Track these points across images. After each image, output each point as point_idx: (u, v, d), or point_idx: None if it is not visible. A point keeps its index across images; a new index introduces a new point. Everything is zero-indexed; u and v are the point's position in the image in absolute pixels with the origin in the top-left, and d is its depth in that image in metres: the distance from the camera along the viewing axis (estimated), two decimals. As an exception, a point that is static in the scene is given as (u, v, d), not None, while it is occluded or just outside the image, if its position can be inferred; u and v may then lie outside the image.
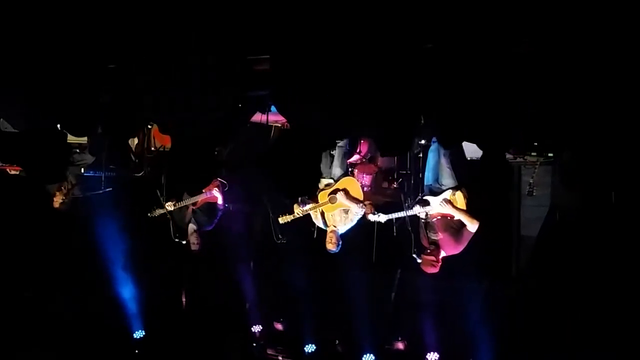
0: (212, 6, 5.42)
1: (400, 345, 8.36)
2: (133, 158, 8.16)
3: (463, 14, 4.79)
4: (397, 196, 7.25)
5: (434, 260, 6.10)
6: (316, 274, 8.44)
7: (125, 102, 5.94)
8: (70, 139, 7.16)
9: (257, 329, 9.11)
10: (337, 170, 6.86)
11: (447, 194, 6.27)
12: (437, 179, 6.50)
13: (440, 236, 6.22)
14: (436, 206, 6.26)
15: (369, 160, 7.82)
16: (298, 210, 6.76)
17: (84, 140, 7.81)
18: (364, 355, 8.30)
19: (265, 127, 7.07)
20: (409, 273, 7.85)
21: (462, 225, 6.16)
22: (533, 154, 6.75)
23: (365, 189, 7.38)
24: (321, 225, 6.86)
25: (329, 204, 6.76)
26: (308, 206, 6.79)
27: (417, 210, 6.28)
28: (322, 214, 6.81)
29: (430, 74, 5.00)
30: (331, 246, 6.68)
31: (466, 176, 6.44)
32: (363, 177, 7.50)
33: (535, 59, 4.69)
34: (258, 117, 6.76)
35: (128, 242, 8.66)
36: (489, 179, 6.64)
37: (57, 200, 7.61)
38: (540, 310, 7.41)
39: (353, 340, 8.40)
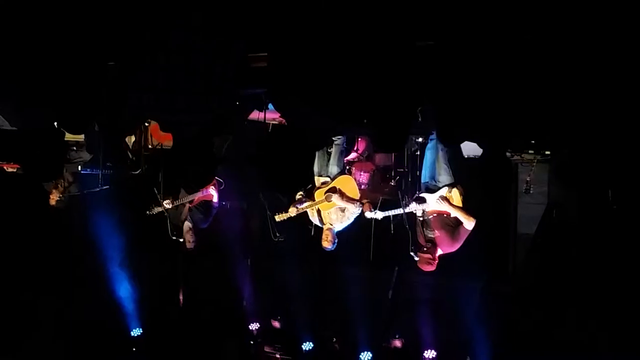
0: (210, 5, 5.41)
1: (397, 343, 8.37)
2: (130, 156, 8.14)
3: (462, 11, 4.79)
4: (395, 194, 7.24)
5: (430, 258, 6.10)
6: (313, 271, 8.45)
7: (122, 100, 5.93)
8: (68, 136, 7.16)
9: (254, 326, 9.12)
10: (333, 169, 6.86)
11: (444, 191, 6.26)
12: (434, 177, 6.50)
13: (436, 234, 6.22)
14: (433, 203, 6.26)
15: (367, 158, 7.83)
16: (292, 210, 6.77)
17: (81, 137, 7.79)
18: (362, 353, 8.30)
19: (263, 124, 7.06)
20: (406, 271, 7.86)
21: (458, 223, 6.15)
22: (530, 151, 6.75)
23: (362, 186, 7.40)
24: (317, 223, 6.86)
25: (326, 202, 6.76)
26: (304, 204, 6.80)
27: (414, 207, 6.28)
28: (319, 211, 6.81)
29: (428, 71, 5.00)
30: (327, 244, 6.69)
31: (464, 174, 6.45)
32: (360, 175, 7.51)
33: (532, 57, 4.68)
34: (255, 115, 6.75)
35: (125, 240, 8.65)
36: (488, 177, 6.67)
37: (54, 198, 7.61)
38: (537, 307, 7.42)
39: (350, 337, 8.40)
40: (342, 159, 7.02)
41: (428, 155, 6.56)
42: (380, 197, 7.44)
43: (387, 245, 7.53)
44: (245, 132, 7.22)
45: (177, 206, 7.26)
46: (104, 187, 7.72)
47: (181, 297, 9.47)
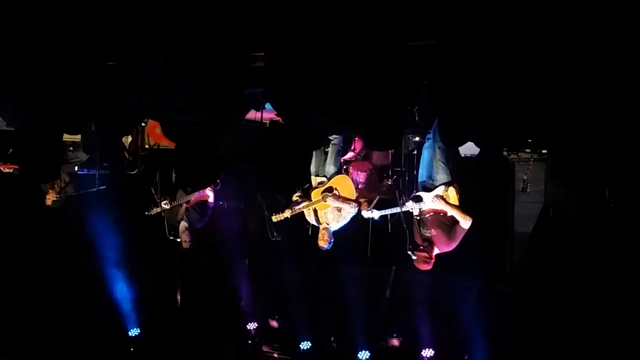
0: (210, 4, 5.40)
1: (395, 342, 8.37)
2: (127, 156, 8.14)
3: (460, 10, 4.79)
4: (392, 193, 7.24)
5: (426, 257, 6.09)
6: (311, 271, 8.45)
7: (119, 100, 5.92)
8: (64, 136, 7.14)
9: (252, 326, 9.11)
10: (330, 168, 6.86)
11: (440, 190, 6.26)
12: (431, 175, 6.50)
13: (433, 233, 6.21)
14: (429, 202, 6.26)
15: (364, 157, 7.82)
16: (289, 211, 6.79)
17: (77, 138, 7.79)
18: (359, 352, 8.30)
19: (260, 124, 7.06)
20: (404, 270, 7.86)
21: (454, 222, 6.14)
22: (527, 150, 6.76)
23: (359, 186, 7.39)
24: (314, 223, 6.87)
25: (322, 202, 6.77)
26: (301, 205, 6.81)
27: (410, 206, 6.28)
28: (315, 211, 6.82)
29: (424, 70, 5.01)
30: (323, 243, 6.71)
31: (461, 173, 6.45)
32: (357, 174, 7.50)
33: (529, 57, 4.69)
34: (252, 115, 6.75)
35: (122, 240, 8.64)
36: (485, 176, 6.66)
37: (50, 198, 7.61)
38: (535, 306, 7.43)
39: (348, 337, 8.40)
40: (339, 158, 7.03)
41: (425, 154, 6.56)
42: (377, 197, 7.45)
43: (384, 245, 7.54)
44: (242, 132, 7.21)
45: (173, 206, 7.26)
46: (101, 188, 7.71)
47: (179, 297, 9.47)
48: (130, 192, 8.04)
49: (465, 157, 6.71)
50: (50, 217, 8.12)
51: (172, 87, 5.62)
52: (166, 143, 7.65)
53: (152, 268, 9.12)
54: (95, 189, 7.68)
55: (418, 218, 6.28)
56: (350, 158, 7.69)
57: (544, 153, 6.73)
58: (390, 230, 6.84)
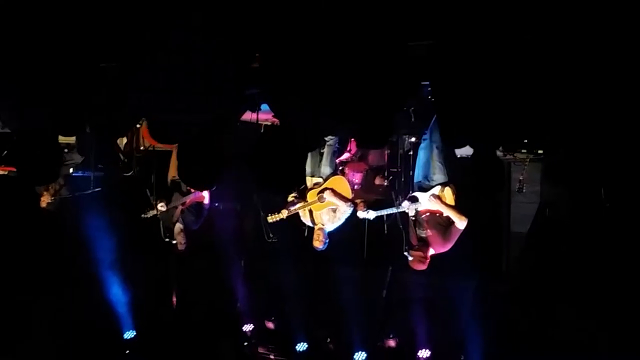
0: (210, 4, 5.38)
1: (391, 343, 8.37)
2: (122, 158, 8.12)
3: (457, 11, 4.79)
4: (388, 194, 7.25)
5: (421, 257, 6.08)
6: (307, 272, 8.44)
7: (114, 101, 5.90)
8: (59, 138, 7.10)
9: (248, 327, 9.10)
10: (326, 169, 6.86)
11: (436, 190, 6.27)
12: (427, 176, 6.50)
13: (428, 233, 6.21)
14: (425, 202, 6.26)
15: (360, 158, 7.83)
16: (285, 211, 6.79)
17: (72, 140, 7.75)
18: (356, 353, 8.29)
19: (256, 125, 7.05)
20: (400, 271, 7.86)
21: (450, 222, 6.15)
22: (523, 151, 6.78)
23: (355, 187, 7.39)
24: (309, 223, 6.88)
25: (318, 202, 6.77)
26: (297, 205, 6.81)
27: (406, 206, 6.28)
28: (311, 212, 6.83)
29: (422, 70, 5.00)
30: (318, 244, 6.72)
31: (457, 173, 6.45)
32: (353, 175, 7.51)
33: (525, 57, 4.69)
34: (248, 116, 6.73)
35: (117, 242, 8.62)
36: (481, 176, 6.66)
37: (45, 200, 7.58)
38: (531, 306, 7.44)
39: (345, 338, 8.40)
40: (335, 159, 7.03)
41: (421, 154, 6.56)
42: (374, 198, 7.46)
43: (380, 245, 7.54)
44: (238, 133, 7.20)
45: (169, 208, 7.25)
46: (96, 190, 7.69)
47: (174, 299, 9.45)
48: (125, 194, 8.01)
49: (461, 158, 6.72)
50: (45, 219, 8.08)
51: (172, 87, 5.59)
52: (161, 145, 7.65)
53: (147, 270, 9.09)
54: (90, 191, 7.67)
55: (414, 218, 6.29)
56: (346, 159, 7.70)
57: (540, 153, 6.75)
58: (386, 231, 6.84)
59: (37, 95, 5.93)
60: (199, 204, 7.38)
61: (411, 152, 7.18)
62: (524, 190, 6.98)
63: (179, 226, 7.28)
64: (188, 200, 7.30)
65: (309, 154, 6.73)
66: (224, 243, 8.58)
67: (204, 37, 5.40)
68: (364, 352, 8.29)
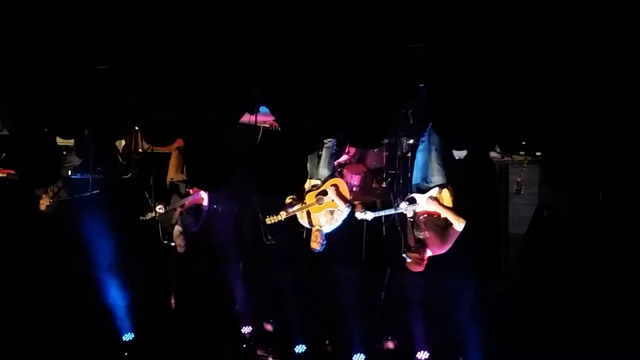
0: (210, 4, 5.38)
1: (390, 345, 8.37)
2: (120, 160, 8.11)
3: (453, 12, 4.80)
4: (386, 196, 7.26)
5: (418, 258, 6.10)
6: (306, 274, 8.45)
7: (113, 103, 5.89)
8: (58, 140, 7.10)
9: (247, 329, 9.10)
10: (324, 171, 6.88)
11: (434, 192, 6.29)
12: (425, 178, 6.51)
13: (426, 234, 6.23)
14: (423, 204, 6.28)
15: (358, 160, 7.83)
16: (283, 213, 6.81)
17: (70, 142, 7.75)
18: (354, 355, 8.30)
19: (253, 127, 7.06)
20: (398, 272, 7.87)
21: (448, 224, 6.16)
22: (521, 152, 6.79)
23: (354, 189, 7.40)
24: (306, 225, 6.90)
25: (316, 204, 6.80)
26: (295, 207, 6.83)
27: (404, 208, 6.30)
28: (308, 214, 6.85)
29: (420, 72, 5.01)
30: (316, 245, 6.74)
31: (455, 175, 6.47)
32: (352, 177, 7.51)
33: (522, 58, 4.70)
34: (246, 118, 6.73)
35: (116, 244, 8.62)
36: (479, 178, 6.68)
37: (44, 203, 7.56)
38: (530, 307, 7.46)
39: (343, 339, 8.40)
40: (333, 161, 7.04)
41: (419, 156, 6.58)
42: (373, 199, 7.47)
43: (379, 247, 7.55)
44: (236, 135, 7.20)
45: (168, 210, 7.25)
46: (94, 192, 7.68)
47: (173, 301, 9.44)
48: (123, 196, 8.01)
49: (459, 160, 6.74)
50: (43, 221, 8.08)
51: (171, 88, 5.58)
52: (160, 147, 7.64)
53: (146, 272, 9.09)
54: (88, 194, 7.64)
55: (412, 220, 6.30)
56: (344, 161, 7.70)
57: (538, 155, 6.76)
58: (384, 233, 6.85)
59: (35, 97, 5.93)
60: (198, 206, 7.38)
61: (409, 154, 7.19)
62: (522, 192, 7.00)
63: (178, 228, 7.28)
64: (187, 203, 7.30)
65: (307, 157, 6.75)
66: (222, 245, 8.59)
67: (203, 38, 5.40)
68: (362, 354, 8.30)
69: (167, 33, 5.45)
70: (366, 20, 4.97)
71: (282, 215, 6.85)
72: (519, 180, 6.95)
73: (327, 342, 8.77)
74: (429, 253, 6.20)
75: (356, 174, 7.57)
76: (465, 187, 6.54)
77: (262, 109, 6.20)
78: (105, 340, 8.92)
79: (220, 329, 9.15)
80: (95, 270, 8.68)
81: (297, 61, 5.23)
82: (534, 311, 7.38)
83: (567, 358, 7.03)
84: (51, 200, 7.59)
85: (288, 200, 6.91)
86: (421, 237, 6.23)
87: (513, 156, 7.01)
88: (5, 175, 7.79)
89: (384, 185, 7.64)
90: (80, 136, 7.11)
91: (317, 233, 6.77)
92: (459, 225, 6.09)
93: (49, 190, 7.57)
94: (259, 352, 9.08)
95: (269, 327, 9.11)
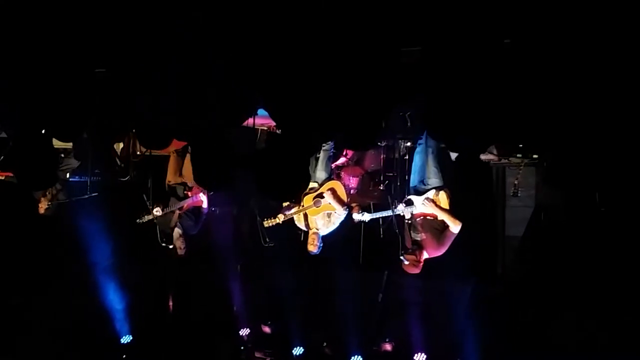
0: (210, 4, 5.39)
1: (387, 347, 8.37)
2: (118, 162, 8.12)
3: (447, 16, 4.82)
4: (384, 198, 7.27)
5: (414, 260, 6.13)
6: (303, 276, 8.45)
7: (111, 106, 5.90)
8: (56, 143, 7.11)
9: (245, 332, 9.10)
10: (321, 174, 6.90)
11: (431, 194, 6.31)
12: (422, 180, 6.54)
13: (423, 236, 6.26)
14: (419, 206, 6.30)
15: (356, 162, 7.85)
16: (281, 215, 6.83)
17: (69, 145, 7.76)
18: (352, 357, 8.29)
19: (251, 129, 7.07)
20: (396, 274, 7.88)
21: (445, 226, 6.19)
22: (518, 155, 6.82)
23: (352, 191, 7.42)
24: (303, 228, 6.93)
25: (314, 207, 6.82)
26: (292, 210, 6.86)
27: (401, 209, 6.33)
28: (305, 217, 6.88)
29: (414, 76, 5.03)
30: (312, 248, 6.78)
31: (452, 177, 6.50)
32: (350, 179, 7.53)
33: (518, 61, 4.72)
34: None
35: (114, 247, 8.61)
36: (476, 181, 6.72)
37: (43, 206, 7.58)
38: (526, 309, 7.46)
39: (341, 342, 8.40)
40: (330, 164, 7.07)
41: (417, 159, 6.61)
42: (371, 202, 7.49)
43: (376, 249, 7.56)
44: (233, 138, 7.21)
45: (166, 213, 7.26)
46: (93, 194, 7.69)
47: (171, 303, 9.43)
48: (121, 199, 8.01)
49: (456, 162, 6.77)
50: (41, 224, 8.07)
51: (169, 91, 5.59)
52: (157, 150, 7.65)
53: (144, 274, 9.08)
54: (87, 196, 7.66)
55: (409, 222, 6.33)
56: (342, 163, 7.73)
57: (535, 158, 6.79)
58: (382, 235, 6.87)
59: (34, 100, 5.94)
60: (197, 208, 7.38)
61: (407, 157, 7.21)
62: (519, 194, 7.03)
63: (177, 231, 7.28)
64: (185, 205, 7.31)
65: (305, 160, 6.76)
66: (220, 247, 8.59)
67: (204, 37, 5.40)
68: (360, 356, 8.29)
69: (166, 35, 5.46)
70: (360, 24, 5.00)
71: (280, 218, 6.88)
72: (516, 182, 6.98)
73: (325, 344, 8.76)
74: (425, 255, 6.23)
75: (354, 177, 7.60)
76: (462, 189, 6.58)
77: (260, 111, 6.22)
78: (103, 342, 8.90)
79: (218, 331, 9.14)
80: (94, 272, 8.67)
81: (295, 63, 5.25)
82: (531, 313, 7.39)
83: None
84: (49, 203, 7.60)
85: (286, 202, 6.93)
86: (418, 239, 6.26)
87: (510, 158, 7.04)
88: (4, 178, 7.80)
89: (381, 188, 7.66)
90: (78, 139, 7.13)
91: (314, 236, 6.80)
92: (455, 227, 6.12)
93: (47, 192, 7.58)
94: (257, 355, 9.06)
95: (266, 329, 9.09)
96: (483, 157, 7.08)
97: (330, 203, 6.82)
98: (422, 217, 6.33)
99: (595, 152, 4.99)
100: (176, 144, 6.98)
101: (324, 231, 6.88)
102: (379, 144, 7.39)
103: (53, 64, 5.82)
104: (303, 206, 6.87)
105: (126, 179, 8.07)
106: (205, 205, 7.40)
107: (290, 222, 7.03)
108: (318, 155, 6.91)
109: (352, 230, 7.34)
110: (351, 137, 5.60)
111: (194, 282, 9.21)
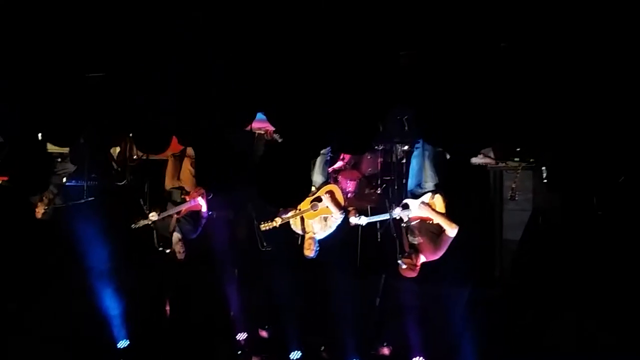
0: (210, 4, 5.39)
1: (385, 351, 8.36)
2: (115, 167, 8.10)
3: (443, 19, 4.82)
4: (381, 202, 7.28)
5: (411, 264, 6.13)
6: (301, 280, 8.43)
7: (107, 111, 5.89)
8: (52, 148, 7.09)
9: (242, 336, 9.08)
10: (318, 178, 6.91)
11: (426, 197, 6.32)
12: (419, 184, 6.55)
13: (419, 240, 6.26)
14: (415, 209, 6.31)
15: (353, 166, 7.86)
16: (278, 219, 6.83)
17: (65, 149, 7.73)
18: (350, 361, 8.30)
19: (248, 133, 7.07)
20: (393, 278, 7.87)
21: (441, 230, 6.19)
22: (515, 159, 6.83)
23: (349, 195, 7.42)
24: (299, 232, 6.92)
25: (311, 211, 6.81)
26: (289, 214, 6.85)
27: (398, 213, 6.33)
28: (302, 220, 6.88)
29: (405, 78, 5.03)
30: (309, 252, 6.79)
31: (449, 181, 6.50)
32: (347, 183, 7.54)
33: (516, 64, 4.72)
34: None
35: (111, 251, 8.59)
36: (473, 184, 6.72)
37: (40, 211, 7.55)
38: (524, 313, 7.47)
39: (338, 346, 8.39)
40: (327, 168, 7.07)
41: (414, 162, 6.62)
42: (367, 205, 7.48)
43: (374, 253, 7.55)
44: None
45: (164, 217, 7.23)
46: (89, 199, 7.67)
47: (168, 308, 9.41)
48: (118, 203, 7.99)
49: (453, 166, 6.78)
50: (38, 228, 8.05)
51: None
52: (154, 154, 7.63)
53: (141, 279, 9.06)
54: (83, 200, 7.64)
55: (405, 226, 6.33)
56: (339, 167, 7.73)
57: (532, 161, 6.80)
58: (379, 239, 6.86)
59: (30, 104, 5.92)
60: (196, 212, 7.34)
61: (404, 160, 7.22)
62: (517, 198, 7.04)
63: (176, 235, 7.25)
64: (183, 209, 7.28)
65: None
66: (217, 251, 8.57)
67: (204, 38, 5.39)
68: (357, 360, 8.30)
69: (166, 35, 5.45)
70: (356, 28, 5.00)
71: (277, 221, 6.87)
72: (513, 186, 6.99)
73: (323, 348, 8.75)
74: (422, 259, 6.22)
75: (351, 180, 7.60)
76: (460, 193, 6.59)
77: (258, 115, 6.21)
78: (100, 347, 8.87)
79: (216, 336, 9.12)
80: (90, 276, 8.64)
81: (292, 66, 5.25)
82: (529, 317, 7.39)
83: (563, 363, 7.06)
84: (46, 207, 7.57)
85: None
86: (415, 242, 6.26)
87: (507, 162, 7.05)
88: (1, 183, 7.77)
89: (379, 192, 7.67)
90: (75, 143, 7.11)
91: (310, 240, 6.80)
92: (451, 231, 6.12)
93: (44, 197, 7.55)
94: (254, 359, 9.05)
95: (264, 333, 9.08)
96: (480, 160, 7.08)
97: (327, 206, 6.82)
98: (418, 221, 6.33)
99: (592, 156, 4.99)
100: (173, 148, 6.97)
101: (321, 235, 6.88)
102: (376, 147, 7.39)
103: (49, 68, 5.80)
104: (300, 210, 6.86)
105: (123, 183, 8.05)
106: (204, 209, 7.37)
107: (287, 226, 7.02)
108: (314, 160, 6.91)
109: (350, 234, 7.33)
110: (348, 141, 5.59)
111: (191, 286, 9.19)
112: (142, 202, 7.13)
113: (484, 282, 7.85)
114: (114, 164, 8.11)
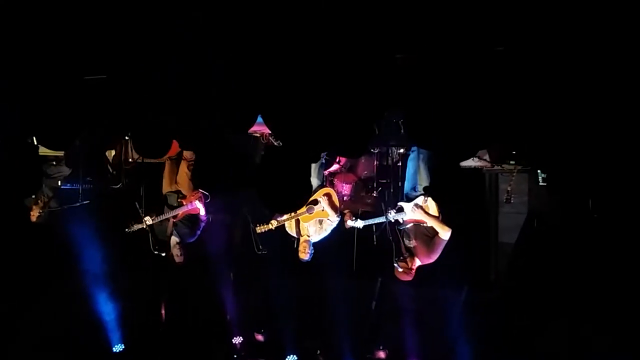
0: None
1: (381, 354, 8.37)
2: (110, 170, 8.08)
3: (438, 23, 4.83)
4: (377, 205, 7.28)
5: (406, 267, 6.14)
6: (296, 283, 8.43)
7: (103, 114, 5.87)
8: (47, 151, 7.07)
9: (238, 340, 9.06)
10: (313, 181, 6.90)
11: (420, 200, 6.33)
12: (414, 187, 6.56)
13: (414, 243, 6.27)
14: (409, 212, 6.32)
15: (349, 169, 7.86)
16: (273, 222, 6.83)
17: (60, 152, 7.72)
18: (346, 365, 8.30)
19: (247, 136, 7.07)
20: (389, 281, 7.88)
21: (434, 233, 6.20)
22: (511, 162, 6.84)
23: (345, 198, 7.43)
24: (294, 235, 6.93)
25: (306, 214, 6.81)
26: (285, 216, 6.86)
27: (392, 216, 6.34)
28: (297, 224, 6.88)
29: (401, 82, 5.03)
30: (304, 255, 6.80)
31: (445, 184, 6.51)
32: (343, 186, 7.54)
33: (512, 66, 4.73)
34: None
35: (106, 255, 8.56)
36: (468, 187, 6.73)
37: (35, 214, 7.52)
38: (520, 315, 7.48)
39: (334, 349, 8.39)
40: (322, 171, 7.08)
41: (410, 165, 6.63)
42: (361, 210, 7.48)
43: (370, 256, 7.56)
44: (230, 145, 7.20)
45: (161, 221, 7.22)
46: (84, 202, 7.64)
47: (163, 312, 9.39)
48: (114, 207, 7.97)
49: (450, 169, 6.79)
50: (33, 232, 8.02)
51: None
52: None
53: (136, 282, 9.03)
54: (78, 204, 7.61)
55: (400, 229, 6.34)
56: (335, 170, 7.73)
57: (527, 165, 6.81)
58: (375, 242, 6.87)
59: (24, 107, 5.90)
60: (194, 216, 7.32)
61: (400, 164, 7.22)
62: (512, 201, 7.05)
63: (174, 239, 7.24)
64: (180, 213, 7.26)
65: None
66: (213, 255, 8.56)
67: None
68: (353, 364, 8.30)
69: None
70: (352, 30, 5.00)
71: (273, 224, 6.87)
72: (508, 189, 6.99)
73: (319, 352, 8.75)
74: (417, 262, 6.23)
75: (347, 184, 7.61)
76: (455, 196, 6.60)
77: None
78: (95, 351, 8.84)
79: (211, 340, 9.10)
80: (85, 280, 8.62)
81: (289, 69, 5.25)
82: (524, 320, 7.41)
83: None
84: (41, 211, 7.55)
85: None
86: (410, 246, 6.27)
87: (503, 165, 7.06)
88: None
89: (374, 195, 7.67)
90: (70, 146, 7.08)
91: (305, 244, 6.81)
92: (444, 234, 6.13)
93: (39, 200, 7.53)
94: (250, 363, 9.06)
95: (259, 337, 9.07)
96: (476, 163, 7.10)
97: (324, 209, 6.83)
98: (412, 224, 6.34)
99: (588, 159, 5.01)
100: (170, 151, 6.95)
101: (315, 238, 6.89)
102: (371, 150, 7.40)
103: (45, 70, 5.77)
104: (296, 212, 6.86)
105: (118, 186, 8.02)
106: (202, 213, 7.36)
107: (282, 228, 7.02)
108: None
109: (345, 237, 7.34)
110: (344, 144, 5.59)
111: (187, 290, 9.17)
112: (137, 206, 7.12)
113: (480, 285, 7.87)
114: (109, 167, 8.09)
